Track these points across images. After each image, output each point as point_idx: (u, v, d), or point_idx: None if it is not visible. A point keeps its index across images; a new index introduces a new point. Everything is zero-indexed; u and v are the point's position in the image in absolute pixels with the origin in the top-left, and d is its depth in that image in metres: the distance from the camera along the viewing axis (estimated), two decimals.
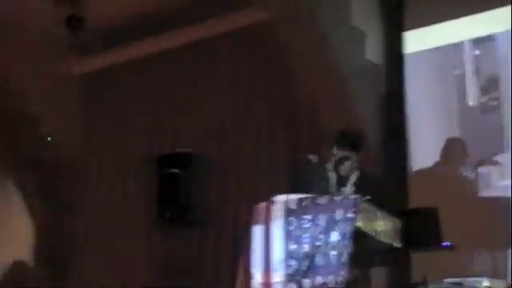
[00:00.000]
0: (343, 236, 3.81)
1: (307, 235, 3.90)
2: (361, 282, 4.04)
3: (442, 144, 5.98)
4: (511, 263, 5.39)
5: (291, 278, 3.86)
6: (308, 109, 6.27)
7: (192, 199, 6.22)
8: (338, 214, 3.87)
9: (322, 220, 3.89)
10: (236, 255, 4.36)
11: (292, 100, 6.44)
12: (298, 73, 6.22)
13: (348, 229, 3.81)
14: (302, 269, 3.85)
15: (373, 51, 6.20)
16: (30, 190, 8.09)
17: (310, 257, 3.85)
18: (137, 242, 7.13)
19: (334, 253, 3.82)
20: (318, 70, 6.06)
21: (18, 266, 9.57)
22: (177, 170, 6.23)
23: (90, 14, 6.65)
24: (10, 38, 7.25)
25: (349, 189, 4.28)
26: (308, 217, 3.92)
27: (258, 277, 3.95)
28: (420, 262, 5.19)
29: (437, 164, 5.97)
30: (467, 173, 5.83)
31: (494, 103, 5.83)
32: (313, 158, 4.35)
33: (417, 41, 6.19)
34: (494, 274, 5.16)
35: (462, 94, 5.95)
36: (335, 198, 3.98)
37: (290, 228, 3.94)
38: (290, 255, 3.90)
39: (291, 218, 3.95)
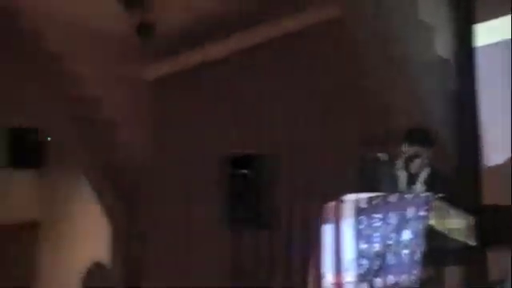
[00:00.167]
0: (415, 234, 3.76)
1: (378, 234, 3.86)
2: (434, 282, 3.98)
3: None
4: None
5: (363, 277, 3.84)
6: (377, 106, 6.20)
7: (261, 200, 6.24)
8: (410, 213, 3.82)
9: (393, 218, 3.85)
10: (306, 255, 4.37)
11: (361, 98, 6.38)
12: (366, 70, 6.16)
13: (420, 227, 3.76)
14: (374, 268, 3.82)
15: (442, 45, 6.06)
16: (105, 193, 8.31)
17: (382, 256, 3.81)
18: (206, 242, 7.22)
19: (406, 252, 3.77)
20: (386, 67, 5.99)
21: (96, 267, 9.87)
22: (245, 171, 6.28)
23: (160, 19, 6.78)
24: (84, 46, 7.49)
25: (419, 186, 4.23)
26: (379, 215, 3.89)
27: (329, 277, 3.94)
28: (497, 260, 5.05)
29: (510, 160, 5.79)
30: None
31: None
32: (382, 156, 4.31)
33: (488, 33, 6.02)
34: None
35: None
36: (406, 196, 3.93)
37: (361, 227, 3.91)
38: (361, 254, 3.87)
39: (361, 217, 3.92)
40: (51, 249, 11.17)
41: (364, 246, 3.89)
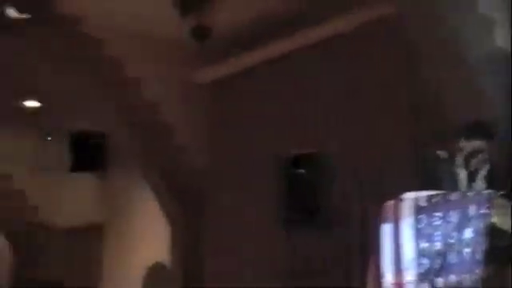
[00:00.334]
0: (477, 233, 3.70)
1: (439, 233, 3.80)
2: (496, 280, 3.88)
3: None
4: None
5: (423, 277, 3.78)
6: (435, 102, 6.10)
7: (318, 199, 6.23)
8: (471, 210, 3.75)
9: (454, 217, 3.79)
10: (365, 255, 4.33)
11: (418, 94, 6.28)
12: (424, 65, 6.06)
13: (482, 225, 3.69)
14: (435, 267, 3.76)
15: (503, 38, 5.91)
16: (164, 195, 8.44)
17: (443, 255, 3.75)
18: (264, 242, 7.25)
19: (467, 250, 3.71)
20: (444, 61, 5.88)
21: (156, 267, 10.04)
22: (303, 171, 6.28)
23: (215, 22, 6.85)
24: (142, 51, 7.64)
25: (479, 184, 4.14)
26: (439, 214, 3.83)
27: (388, 276, 3.90)
28: None
29: None
30: None
31: None
32: (442, 153, 4.24)
33: None
34: None
35: None
36: (467, 194, 3.87)
37: (420, 226, 3.86)
38: (421, 254, 3.82)
39: (421, 216, 3.87)
40: (114, 250, 11.43)
41: (424, 244, 3.83)
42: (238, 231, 7.58)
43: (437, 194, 3.89)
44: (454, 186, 4.10)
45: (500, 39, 5.89)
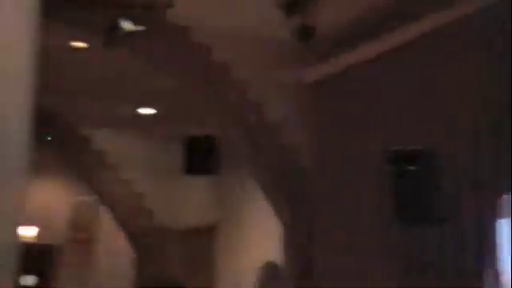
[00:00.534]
0: None
1: None
2: None
3: None
4: None
5: None
6: None
7: (430, 196, 6.09)
8: None
9: None
10: (481, 252, 4.20)
11: None
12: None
13: None
14: None
15: None
16: (274, 194, 8.53)
17: None
18: (375, 241, 7.16)
19: None
20: None
21: (269, 267, 10.17)
22: (413, 167, 6.17)
23: (320, 21, 6.86)
24: (247, 53, 7.79)
25: None
26: None
27: (507, 273, 3.77)
28: None
29: None
30: None
31: None
32: None
33: None
34: None
35: None
36: None
37: None
38: None
39: None
40: (227, 250, 11.69)
41: None
42: (348, 229, 7.55)
43: None
44: None
45: None
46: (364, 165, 7.43)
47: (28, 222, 12.71)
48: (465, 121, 6.38)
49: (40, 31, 4.86)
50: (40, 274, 13.52)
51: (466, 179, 6.23)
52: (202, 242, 12.15)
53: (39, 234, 13.69)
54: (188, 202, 12.43)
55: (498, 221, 3.84)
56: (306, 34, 6.83)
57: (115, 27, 6.63)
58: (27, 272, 12.81)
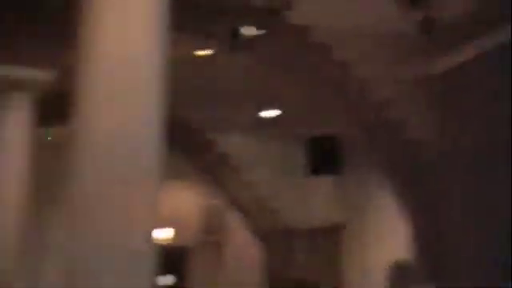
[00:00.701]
0: None
1: None
2: None
3: None
4: None
5: None
6: None
7: None
8: None
9: None
10: None
11: None
12: None
13: None
14: None
15: None
16: (401, 192, 8.39)
17: None
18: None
19: None
20: None
21: (398, 265, 10.00)
22: None
23: (440, 13, 6.69)
24: (367, 50, 7.71)
25: None
26: None
27: None
28: None
29: None
30: None
31: None
32: None
33: None
34: None
35: None
36: None
37: None
38: None
39: None
40: (355, 248, 11.62)
41: None
42: (477, 225, 7.28)
43: None
44: None
45: None
46: (488, 156, 7.14)
47: (164, 225, 13.20)
48: None
49: (168, 43, 5.09)
50: (177, 274, 14.05)
51: None
52: (328, 242, 12.14)
53: (173, 236, 14.16)
54: (313, 201, 12.47)
55: None
56: (428, 25, 6.70)
57: (237, 33, 6.80)
58: (166, 272, 13.36)
